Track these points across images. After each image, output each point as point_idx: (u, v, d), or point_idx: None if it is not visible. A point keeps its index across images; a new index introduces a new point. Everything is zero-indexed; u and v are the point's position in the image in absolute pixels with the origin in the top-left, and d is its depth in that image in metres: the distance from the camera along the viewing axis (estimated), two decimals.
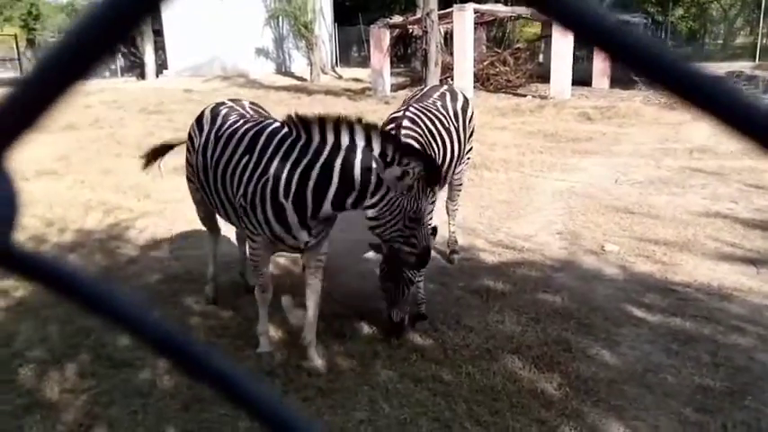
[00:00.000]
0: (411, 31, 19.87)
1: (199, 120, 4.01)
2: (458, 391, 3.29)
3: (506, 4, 22.44)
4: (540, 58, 22.99)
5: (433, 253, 4.96)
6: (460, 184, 5.16)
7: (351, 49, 32.05)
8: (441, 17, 15.73)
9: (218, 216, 4.22)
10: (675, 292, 4.44)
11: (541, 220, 6.29)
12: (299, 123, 3.35)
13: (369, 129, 3.24)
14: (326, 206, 3.29)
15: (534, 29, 25.11)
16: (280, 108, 15.06)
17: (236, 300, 4.53)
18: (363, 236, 5.42)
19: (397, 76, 21.63)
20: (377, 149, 3.21)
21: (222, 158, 3.56)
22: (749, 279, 4.63)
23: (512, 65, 19.16)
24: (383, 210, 3.29)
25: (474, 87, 17.42)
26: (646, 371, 3.46)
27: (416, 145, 3.93)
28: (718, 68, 19.88)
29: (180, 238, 5.95)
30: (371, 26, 20.01)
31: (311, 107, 15.41)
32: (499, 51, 19.90)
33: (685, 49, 31.81)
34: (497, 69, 19.09)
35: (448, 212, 5.26)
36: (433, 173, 3.33)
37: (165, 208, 6.93)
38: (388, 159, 3.20)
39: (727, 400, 3.13)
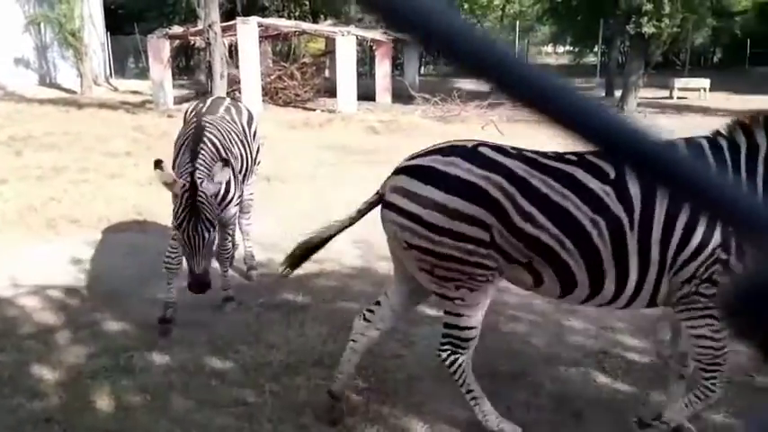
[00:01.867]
0: (193, 42, 19.16)
1: (512, 167, 2.55)
2: (261, 411, 3.19)
3: (290, 19, 22.73)
4: (327, 73, 23.63)
5: (230, 272, 4.81)
6: (252, 199, 5.17)
7: (126, 60, 30.00)
8: (224, 29, 15.40)
9: None
10: None
11: None
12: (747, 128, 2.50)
13: None
14: None
15: (319, 44, 25.72)
16: (44, 123, 13.55)
17: (2, 341, 3.94)
18: (152, 259, 5.07)
19: (181, 89, 20.73)
20: None
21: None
22: None
23: (299, 79, 19.41)
24: None
25: (263, 101, 17.33)
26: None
27: (216, 153, 3.95)
28: (484, 84, 22.09)
29: None
30: (149, 36, 18.93)
31: (82, 121, 14.12)
32: (286, 66, 20.04)
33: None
34: (285, 83, 19.22)
35: (241, 228, 5.16)
36: None
37: None
38: None
39: (510, 383, 3.44)
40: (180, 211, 3.62)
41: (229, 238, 4.49)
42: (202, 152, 3.85)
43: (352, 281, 4.96)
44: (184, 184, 3.61)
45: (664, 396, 3.30)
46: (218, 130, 4.21)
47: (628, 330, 4.08)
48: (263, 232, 6.11)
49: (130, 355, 3.74)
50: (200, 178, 3.66)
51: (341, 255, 5.57)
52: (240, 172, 4.42)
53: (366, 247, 5.79)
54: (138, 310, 4.42)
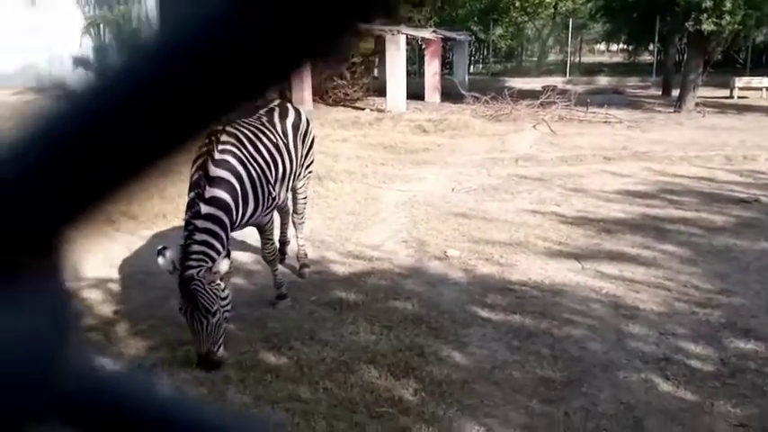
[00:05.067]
0: None
1: None
2: (316, 408, 3.21)
3: None
4: (375, 72, 23.67)
5: (282, 268, 4.86)
6: (305, 197, 5.21)
7: None
8: None
9: None
10: (513, 291, 4.72)
11: (387, 229, 6.41)
12: None
13: None
14: None
15: (368, 44, 25.77)
16: None
17: None
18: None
19: None
20: None
21: None
22: (575, 275, 5.05)
23: (348, 79, 19.51)
24: None
25: (313, 100, 17.49)
26: (493, 368, 3.62)
27: (234, 159, 3.85)
28: (535, 83, 21.82)
29: None
30: None
31: None
32: None
33: (505, 65, 34.56)
34: (335, 83, 19.34)
35: (295, 226, 5.21)
36: None
37: None
38: None
39: (566, 390, 3.36)
40: (181, 293, 3.49)
41: (271, 241, 4.44)
42: (204, 216, 3.65)
43: (404, 280, 4.94)
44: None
45: (729, 407, 3.18)
46: (240, 142, 3.99)
47: (690, 337, 3.94)
48: (313, 230, 6.17)
49: (188, 349, 3.81)
50: (193, 266, 3.50)
51: (392, 254, 5.58)
52: (280, 176, 4.33)
53: (417, 246, 5.77)
54: None
